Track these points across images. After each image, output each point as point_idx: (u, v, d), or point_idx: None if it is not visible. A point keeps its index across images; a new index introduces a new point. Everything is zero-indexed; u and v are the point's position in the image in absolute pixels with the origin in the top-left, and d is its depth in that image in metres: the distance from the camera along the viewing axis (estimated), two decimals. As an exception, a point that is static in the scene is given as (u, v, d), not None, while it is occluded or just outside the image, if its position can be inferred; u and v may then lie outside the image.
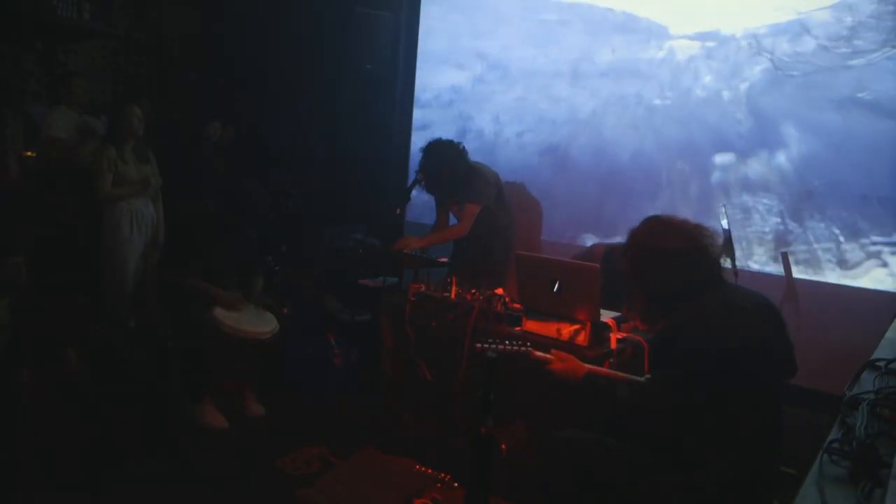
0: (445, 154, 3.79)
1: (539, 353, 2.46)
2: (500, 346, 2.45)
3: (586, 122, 4.66)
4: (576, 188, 4.67)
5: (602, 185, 4.56)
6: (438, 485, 2.93)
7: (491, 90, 5.12)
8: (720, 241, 2.30)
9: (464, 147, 3.86)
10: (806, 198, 3.82)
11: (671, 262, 2.00)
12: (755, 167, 4.00)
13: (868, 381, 1.71)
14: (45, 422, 3.23)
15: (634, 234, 2.13)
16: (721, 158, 4.12)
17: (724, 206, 3.21)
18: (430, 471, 3.04)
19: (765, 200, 3.97)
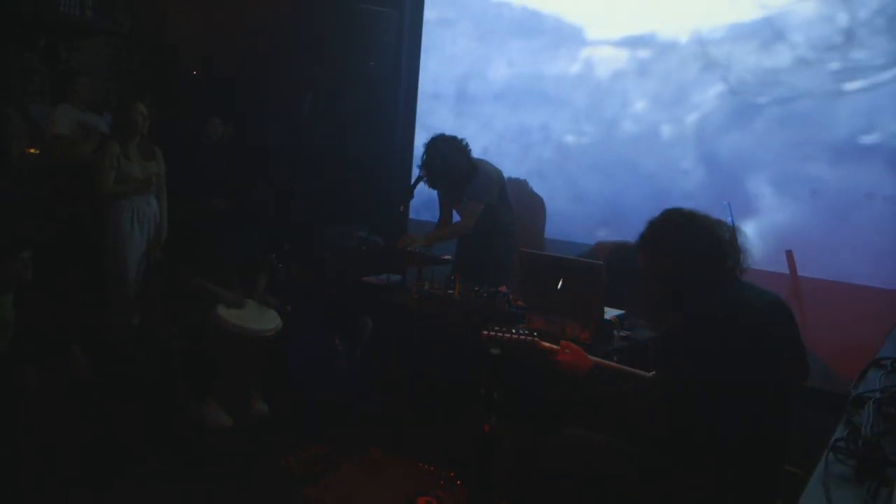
0: (446, 150, 3.77)
1: (546, 343, 2.45)
2: (507, 336, 2.44)
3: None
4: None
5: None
6: (441, 483, 2.95)
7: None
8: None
9: (466, 143, 3.84)
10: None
11: (691, 256, 1.95)
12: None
13: (874, 380, 1.71)
14: (47, 418, 3.24)
15: (654, 226, 2.06)
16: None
17: (728, 202, 3.19)
18: (433, 469, 3.05)
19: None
